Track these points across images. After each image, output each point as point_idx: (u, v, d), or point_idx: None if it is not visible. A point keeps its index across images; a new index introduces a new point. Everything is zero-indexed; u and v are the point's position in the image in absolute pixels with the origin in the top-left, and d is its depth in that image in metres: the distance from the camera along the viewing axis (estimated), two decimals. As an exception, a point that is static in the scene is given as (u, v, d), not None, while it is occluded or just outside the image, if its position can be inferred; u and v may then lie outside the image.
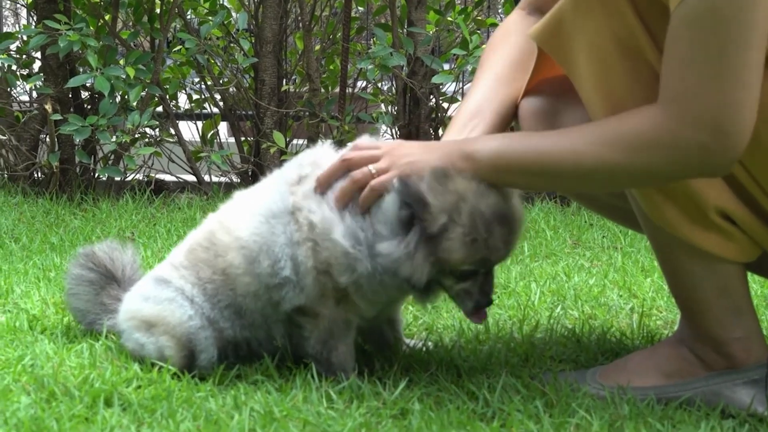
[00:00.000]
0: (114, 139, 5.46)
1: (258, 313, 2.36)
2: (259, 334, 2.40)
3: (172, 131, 5.98)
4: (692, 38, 1.90)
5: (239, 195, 2.45)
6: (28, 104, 6.34)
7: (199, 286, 2.36)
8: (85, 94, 5.97)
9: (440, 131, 6.14)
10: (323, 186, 2.23)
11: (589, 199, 2.53)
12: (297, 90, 6.22)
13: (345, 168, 2.22)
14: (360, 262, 2.18)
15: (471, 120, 2.37)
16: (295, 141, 6.07)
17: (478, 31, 6.07)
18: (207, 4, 6.10)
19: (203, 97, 6.29)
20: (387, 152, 2.21)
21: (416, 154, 2.20)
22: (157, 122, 5.71)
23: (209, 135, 6.18)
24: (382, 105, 6.11)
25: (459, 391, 2.23)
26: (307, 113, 5.86)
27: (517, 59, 2.42)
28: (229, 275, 2.33)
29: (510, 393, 2.21)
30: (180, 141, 5.96)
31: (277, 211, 2.27)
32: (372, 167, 2.19)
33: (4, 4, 7.58)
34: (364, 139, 2.30)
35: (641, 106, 1.99)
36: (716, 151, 1.93)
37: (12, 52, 5.88)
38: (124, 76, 5.38)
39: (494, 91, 2.40)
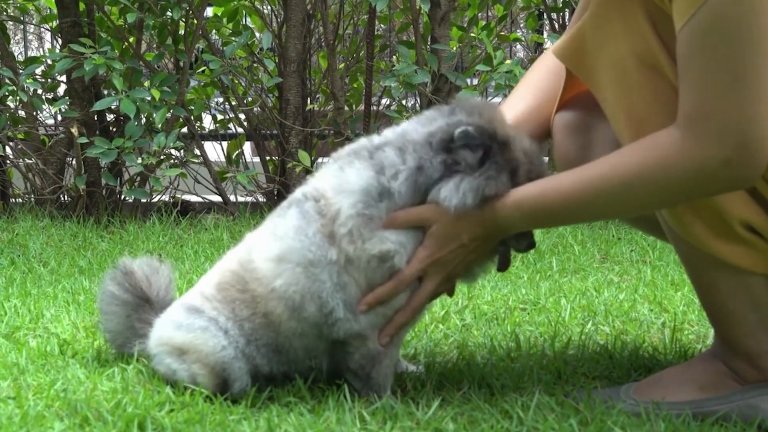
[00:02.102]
0: (140, 161, 5.48)
1: (302, 349, 2.34)
2: (300, 367, 2.39)
3: (198, 152, 6.00)
4: (703, 57, 1.89)
5: (252, 237, 2.40)
6: (54, 128, 6.37)
7: (234, 320, 2.33)
8: (110, 117, 6.00)
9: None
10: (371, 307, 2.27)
11: None
12: (321, 108, 6.23)
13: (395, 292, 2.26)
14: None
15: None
16: (320, 160, 6.07)
17: (502, 47, 6.06)
18: (231, 25, 6.12)
19: (228, 117, 6.31)
20: (435, 273, 2.27)
21: (463, 257, 2.26)
22: (183, 143, 5.73)
23: (234, 155, 6.20)
24: (407, 122, 6.10)
25: (492, 410, 2.22)
26: (332, 132, 5.87)
27: (551, 79, 2.44)
28: (272, 320, 2.30)
29: (544, 411, 2.19)
30: (205, 162, 5.98)
31: (315, 259, 2.23)
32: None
33: (28, 28, 7.63)
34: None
35: (660, 132, 1.99)
36: (741, 165, 1.93)
37: (38, 76, 5.91)
38: (149, 98, 5.40)
39: (524, 118, 2.44)
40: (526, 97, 2.48)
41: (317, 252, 2.22)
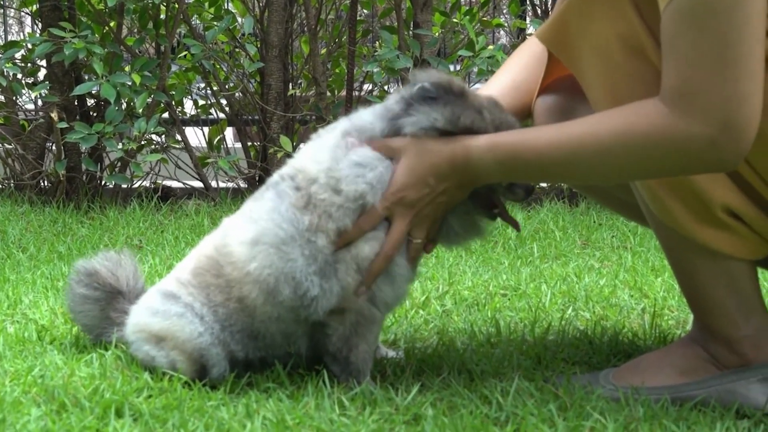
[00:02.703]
0: (120, 146, 5.46)
1: (279, 334, 2.33)
2: (278, 352, 2.38)
3: (179, 137, 5.97)
4: (690, 34, 1.89)
5: (229, 222, 2.40)
6: (33, 113, 6.33)
7: (208, 306, 2.32)
8: (91, 102, 5.97)
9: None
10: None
11: (600, 195, 2.52)
12: (303, 94, 6.21)
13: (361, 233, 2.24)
14: None
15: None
16: (302, 145, 6.05)
17: (484, 32, 6.05)
18: (212, 10, 6.09)
19: (209, 102, 6.29)
20: (402, 213, 2.24)
21: (434, 202, 2.23)
22: (164, 129, 5.70)
23: (216, 141, 6.18)
24: (389, 107, 6.08)
25: (472, 396, 2.21)
26: (314, 117, 5.85)
27: (533, 63, 2.43)
28: (246, 305, 2.29)
29: (523, 396, 2.19)
30: (187, 147, 5.95)
31: (287, 236, 2.24)
32: (416, 239, 2.26)
33: (8, 12, 7.58)
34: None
35: (645, 102, 1.98)
36: (726, 144, 1.92)
37: (17, 61, 5.87)
38: (130, 83, 5.38)
39: (509, 93, 2.44)
40: (505, 76, 2.48)
41: (288, 228, 2.23)
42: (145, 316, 2.40)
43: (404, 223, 2.22)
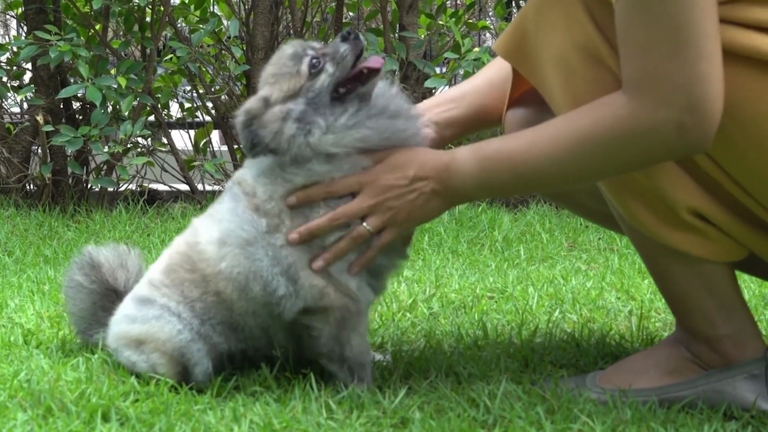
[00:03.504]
0: (106, 149, 5.44)
1: (257, 328, 2.33)
2: (258, 344, 2.38)
3: (165, 140, 5.96)
4: (643, 21, 1.90)
5: (197, 222, 2.39)
6: (19, 116, 6.32)
7: (185, 303, 2.32)
8: (76, 105, 5.96)
9: (434, 135, 6.12)
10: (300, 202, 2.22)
11: (574, 205, 2.53)
12: (289, 96, 6.19)
13: (325, 195, 2.21)
14: None
15: (448, 103, 2.46)
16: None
17: (470, 34, 6.06)
18: (198, 12, 6.08)
19: (195, 105, 6.28)
20: (369, 193, 2.20)
21: (404, 198, 2.20)
22: (150, 132, 5.70)
23: (202, 143, 6.17)
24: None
25: (459, 399, 2.21)
26: (300, 120, 5.83)
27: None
28: (224, 299, 2.29)
29: (511, 399, 2.19)
30: (173, 150, 5.95)
31: (250, 237, 2.24)
32: (368, 225, 2.19)
33: (-7, 15, 7.56)
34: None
35: (607, 97, 2.00)
36: (693, 126, 1.93)
37: (2, 64, 5.86)
38: (115, 86, 5.37)
39: (481, 91, 2.47)
40: (482, 76, 2.50)
41: (250, 229, 2.23)
42: (123, 325, 2.40)
43: (366, 202, 2.19)
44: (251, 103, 2.27)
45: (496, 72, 2.49)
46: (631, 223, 2.15)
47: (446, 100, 2.47)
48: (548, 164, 2.09)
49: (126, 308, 2.43)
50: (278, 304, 2.25)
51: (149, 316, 2.33)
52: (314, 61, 2.23)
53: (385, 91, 2.31)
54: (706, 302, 2.20)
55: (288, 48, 2.28)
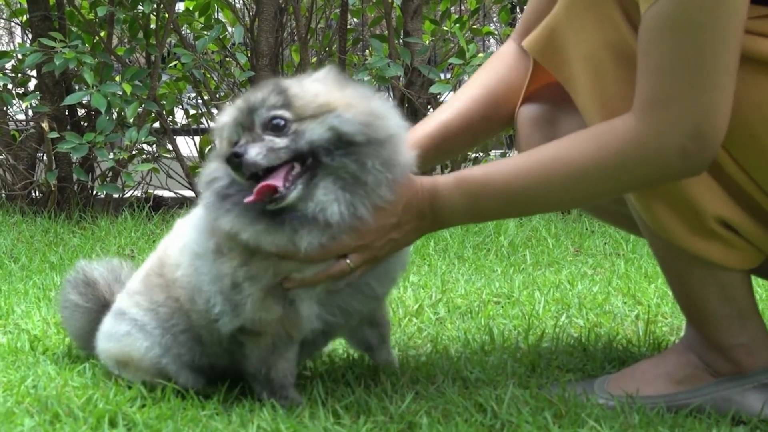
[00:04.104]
0: (111, 156, 5.46)
1: (216, 344, 2.29)
2: (221, 362, 2.34)
3: (170, 147, 5.97)
4: (667, 43, 1.89)
5: (179, 223, 2.39)
6: (24, 123, 6.32)
7: (151, 311, 2.31)
8: (81, 112, 5.96)
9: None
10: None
11: (592, 207, 2.53)
12: (294, 103, 6.19)
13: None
14: None
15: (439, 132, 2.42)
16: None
17: (475, 40, 6.06)
18: (202, 19, 6.09)
19: (200, 112, 6.28)
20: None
21: (389, 237, 2.15)
22: (155, 138, 5.70)
23: (207, 150, 6.17)
24: (380, 116, 6.09)
25: (467, 404, 2.20)
26: (304, 126, 5.83)
27: (489, 86, 2.44)
28: (181, 305, 2.28)
29: (518, 404, 2.18)
30: (178, 156, 5.95)
31: (200, 251, 2.21)
32: (350, 263, 2.13)
33: (-2, 23, 7.57)
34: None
35: (614, 121, 2.00)
36: (695, 154, 1.93)
37: (7, 71, 5.87)
38: (120, 93, 5.37)
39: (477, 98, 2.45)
40: (474, 86, 2.48)
41: (202, 244, 2.20)
42: (102, 342, 2.42)
43: (352, 243, 2.12)
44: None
45: (489, 79, 2.47)
46: (654, 229, 2.14)
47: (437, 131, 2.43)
48: (544, 192, 2.09)
49: (106, 323, 2.43)
50: (217, 321, 2.21)
51: (121, 332, 2.34)
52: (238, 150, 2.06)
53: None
54: (722, 309, 2.19)
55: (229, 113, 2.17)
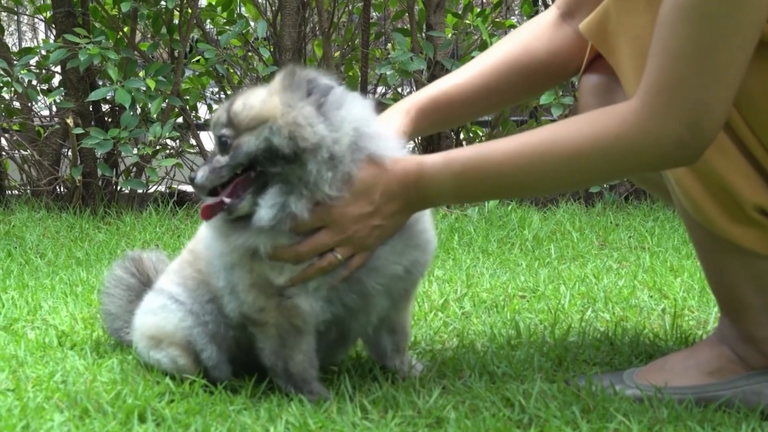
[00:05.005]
0: (136, 151, 5.47)
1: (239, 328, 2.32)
2: (242, 340, 2.34)
3: (193, 142, 5.98)
4: (681, 31, 1.89)
5: None
6: (49, 119, 6.35)
7: (182, 284, 2.37)
8: (105, 107, 5.98)
9: (461, 134, 6.12)
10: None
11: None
12: (317, 97, 6.20)
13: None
14: None
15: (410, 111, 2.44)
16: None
17: (497, 33, 6.05)
18: (225, 14, 6.10)
19: (223, 106, 6.28)
20: (336, 229, 2.15)
21: (371, 223, 2.16)
22: (178, 133, 5.72)
23: (230, 145, 6.17)
24: (403, 110, 6.09)
25: (494, 398, 2.21)
26: (328, 120, 5.84)
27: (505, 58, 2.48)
28: (204, 278, 2.34)
29: (546, 399, 2.18)
30: (201, 151, 5.96)
31: (211, 244, 2.29)
32: (338, 255, 2.15)
33: (22, 19, 7.60)
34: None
35: (615, 106, 2.01)
36: (690, 144, 1.94)
37: (32, 67, 5.89)
38: (144, 88, 5.39)
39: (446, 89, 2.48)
40: (491, 55, 2.52)
41: (211, 242, 2.28)
42: (140, 317, 2.46)
43: (334, 238, 2.15)
44: None
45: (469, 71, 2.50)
46: (693, 214, 2.14)
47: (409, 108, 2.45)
48: (537, 174, 2.09)
49: (146, 300, 2.49)
50: (223, 297, 2.27)
51: (158, 305, 2.39)
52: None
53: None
54: (758, 300, 2.18)
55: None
